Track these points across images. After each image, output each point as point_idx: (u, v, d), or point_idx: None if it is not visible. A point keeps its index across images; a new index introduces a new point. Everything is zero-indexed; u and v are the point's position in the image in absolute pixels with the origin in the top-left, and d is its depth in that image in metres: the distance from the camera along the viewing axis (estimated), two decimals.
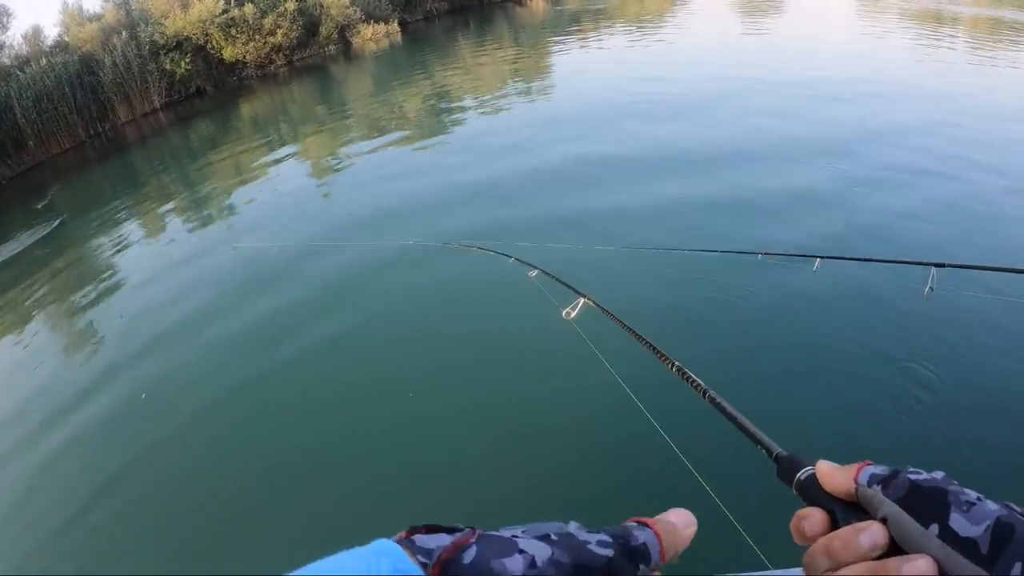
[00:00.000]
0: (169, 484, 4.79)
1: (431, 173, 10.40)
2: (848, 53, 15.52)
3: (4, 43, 24.32)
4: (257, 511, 4.24)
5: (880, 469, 0.54)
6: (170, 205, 12.79)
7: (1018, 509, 0.48)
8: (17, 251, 12.66)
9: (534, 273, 2.73)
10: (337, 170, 12.40)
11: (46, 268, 11.13)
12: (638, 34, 21.98)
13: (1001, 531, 0.46)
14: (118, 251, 10.70)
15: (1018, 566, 0.44)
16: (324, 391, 5.34)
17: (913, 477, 0.51)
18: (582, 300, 2.09)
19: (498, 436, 4.26)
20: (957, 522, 0.47)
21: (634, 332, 1.52)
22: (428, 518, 0.44)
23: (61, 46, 24.23)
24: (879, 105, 10.56)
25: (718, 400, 0.94)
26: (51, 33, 25.64)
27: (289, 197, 11.20)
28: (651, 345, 1.37)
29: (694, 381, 1.08)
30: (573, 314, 2.07)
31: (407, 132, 13.74)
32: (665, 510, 0.56)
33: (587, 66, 17.63)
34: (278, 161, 14.08)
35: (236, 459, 4.84)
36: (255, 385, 5.67)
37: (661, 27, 23.40)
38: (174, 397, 5.80)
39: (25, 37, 24.74)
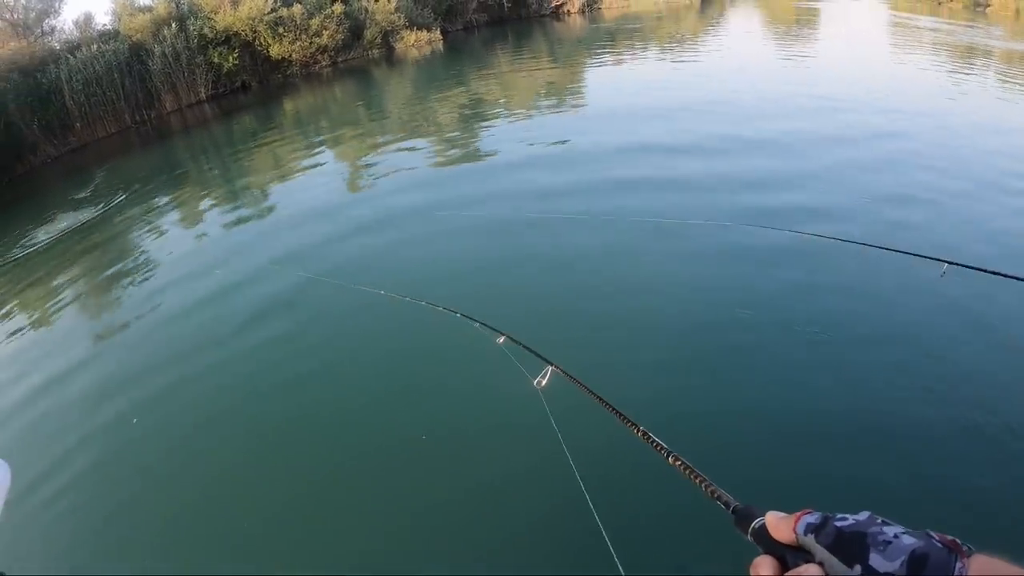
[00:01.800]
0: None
1: (432, 213, 8.56)
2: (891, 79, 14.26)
3: (55, 27, 23.42)
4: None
5: (814, 518, 0.59)
6: (209, 200, 11.72)
7: (936, 536, 0.53)
8: (59, 234, 11.55)
9: (501, 339, 2.44)
10: (358, 187, 10.99)
11: (84, 255, 10.15)
12: (671, 57, 20.56)
13: (916, 563, 0.51)
14: (156, 245, 9.72)
15: None
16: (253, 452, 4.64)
17: (839, 524, 0.57)
18: (550, 368, 1.93)
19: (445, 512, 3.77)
20: (876, 560, 0.53)
21: (599, 397, 1.44)
22: None
23: (111, 34, 23.15)
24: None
25: (680, 462, 0.94)
26: (102, 21, 24.74)
27: (303, 214, 9.73)
28: (616, 411, 1.33)
29: (658, 444, 1.07)
30: (544, 383, 1.91)
31: (433, 146, 12.35)
32: None
33: (616, 89, 15.98)
34: (315, 163, 12.88)
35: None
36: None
37: (696, 51, 22.02)
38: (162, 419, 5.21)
39: (76, 23, 23.78)
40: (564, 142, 11.05)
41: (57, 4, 23.05)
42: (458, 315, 3.17)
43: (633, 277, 6.14)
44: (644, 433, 1.19)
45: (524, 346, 2.29)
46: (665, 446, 1.06)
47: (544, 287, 6.15)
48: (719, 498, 0.81)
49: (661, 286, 5.91)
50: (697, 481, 0.89)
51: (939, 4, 44.13)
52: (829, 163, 8.69)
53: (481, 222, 7.81)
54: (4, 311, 8.55)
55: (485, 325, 2.68)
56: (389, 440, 4.42)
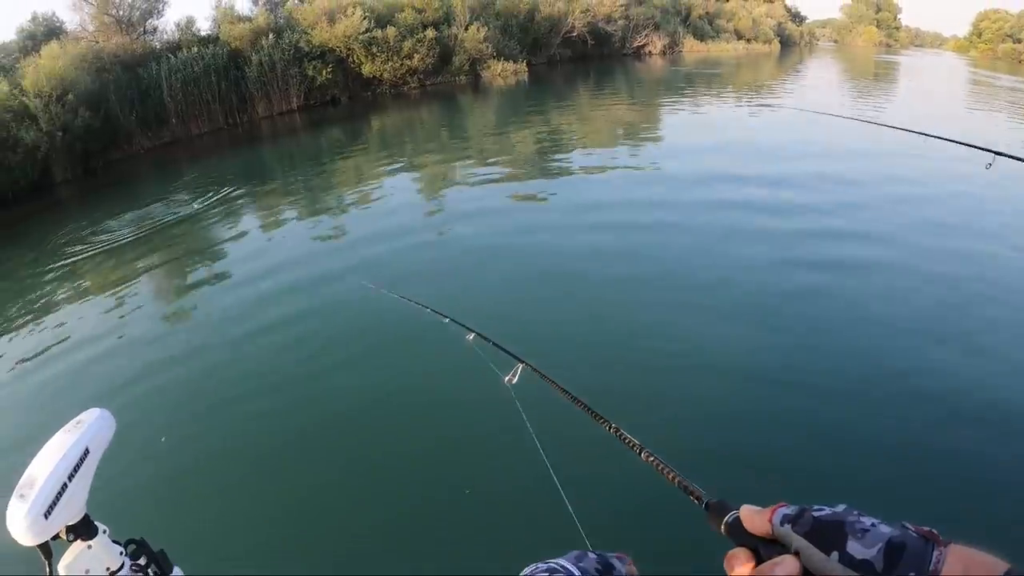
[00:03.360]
0: None
1: (492, 229, 8.20)
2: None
3: (157, 28, 22.45)
4: None
5: (790, 509, 0.57)
6: (289, 207, 10.84)
7: (911, 527, 0.51)
8: (147, 228, 10.28)
9: (471, 336, 2.15)
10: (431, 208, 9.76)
11: (171, 250, 9.11)
12: (749, 109, 18.75)
13: (893, 550, 0.49)
14: (234, 246, 8.87)
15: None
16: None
17: (816, 514, 0.55)
18: (521, 366, 1.77)
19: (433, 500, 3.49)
20: (853, 547, 0.51)
21: (570, 395, 1.33)
22: None
23: (211, 39, 22.00)
24: None
25: (652, 458, 0.92)
26: (202, 26, 23.71)
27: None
28: (588, 407, 1.25)
29: (630, 441, 1.02)
30: (515, 380, 1.75)
31: (506, 182, 10.87)
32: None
33: (689, 139, 14.14)
34: (393, 181, 11.91)
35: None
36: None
37: (773, 99, 20.44)
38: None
39: (178, 25, 22.78)
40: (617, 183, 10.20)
41: (161, 6, 22.14)
42: (429, 310, 2.70)
43: (611, 278, 6.04)
44: (615, 429, 1.10)
45: (494, 343, 2.05)
46: (637, 442, 0.99)
47: (523, 291, 6.01)
48: (691, 493, 0.77)
49: (635, 284, 5.81)
50: (669, 476, 0.84)
51: (1020, 62, 42.65)
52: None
53: (543, 259, 7.10)
54: (88, 292, 7.80)
55: (455, 321, 2.39)
56: (370, 435, 4.18)
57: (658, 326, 5.11)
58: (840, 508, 0.55)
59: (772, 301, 5.47)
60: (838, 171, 10.05)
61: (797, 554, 0.54)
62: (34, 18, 22.55)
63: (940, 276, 5.93)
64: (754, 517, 0.59)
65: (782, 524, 0.56)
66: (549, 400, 1.47)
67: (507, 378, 1.78)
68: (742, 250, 6.63)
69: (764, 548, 0.58)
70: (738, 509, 0.63)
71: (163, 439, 4.26)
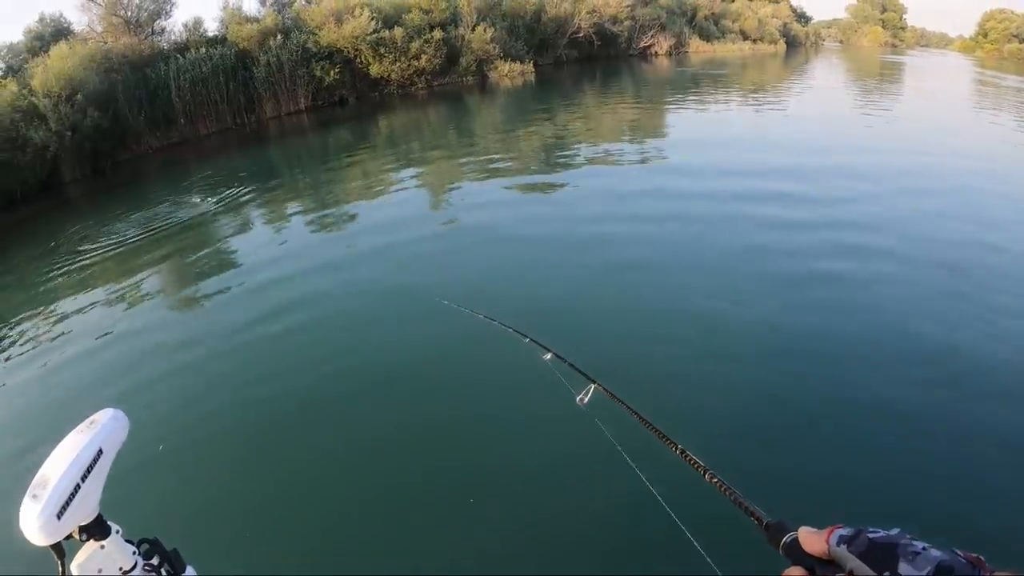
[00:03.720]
0: None
1: (503, 231, 8.10)
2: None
3: (164, 28, 22.49)
4: None
5: (847, 531, 0.59)
6: (296, 207, 10.81)
7: (961, 553, 0.53)
8: (159, 228, 10.23)
9: (548, 356, 2.14)
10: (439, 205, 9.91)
11: (182, 251, 8.99)
12: (753, 107, 18.61)
13: (942, 573, 0.51)
14: (241, 246, 8.83)
15: None
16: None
17: (871, 535, 0.57)
18: (592, 386, 1.79)
19: (511, 521, 3.38)
20: (904, 569, 0.53)
21: (640, 416, 1.37)
22: None
23: (219, 39, 22.08)
24: None
25: (716, 480, 0.93)
26: (210, 27, 23.82)
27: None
28: (656, 429, 1.27)
29: (695, 463, 1.04)
30: (586, 400, 1.78)
31: (513, 177, 11.04)
32: None
33: (695, 138, 14.06)
34: (401, 181, 11.75)
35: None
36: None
37: (777, 102, 20.21)
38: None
39: (186, 26, 22.89)
40: (635, 182, 10.17)
41: (168, 7, 22.18)
42: (511, 330, 2.66)
43: (679, 300, 5.83)
44: (682, 451, 1.12)
45: (569, 363, 2.02)
46: (702, 463, 1.02)
47: (589, 306, 5.79)
48: (752, 514, 0.79)
49: (706, 308, 5.57)
50: (732, 498, 0.86)
51: None
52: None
53: (543, 246, 7.37)
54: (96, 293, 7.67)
55: (534, 341, 2.35)
56: (445, 451, 4.01)
57: (731, 343, 5.00)
58: (894, 531, 0.57)
59: (834, 325, 5.28)
60: (844, 166, 10.01)
61: (851, 573, 0.56)
62: (41, 19, 22.71)
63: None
64: (812, 538, 0.62)
65: (838, 544, 0.59)
66: (626, 419, 1.50)
67: (579, 398, 1.81)
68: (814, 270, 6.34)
69: (820, 568, 0.60)
70: (796, 530, 0.66)
71: (160, 447, 4.20)
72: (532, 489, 3.60)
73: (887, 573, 0.54)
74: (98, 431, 0.91)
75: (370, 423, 4.32)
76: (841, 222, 7.51)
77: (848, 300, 5.61)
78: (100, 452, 0.90)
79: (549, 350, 2.17)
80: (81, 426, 0.92)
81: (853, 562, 0.57)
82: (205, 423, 4.49)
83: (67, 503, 0.85)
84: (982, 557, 0.53)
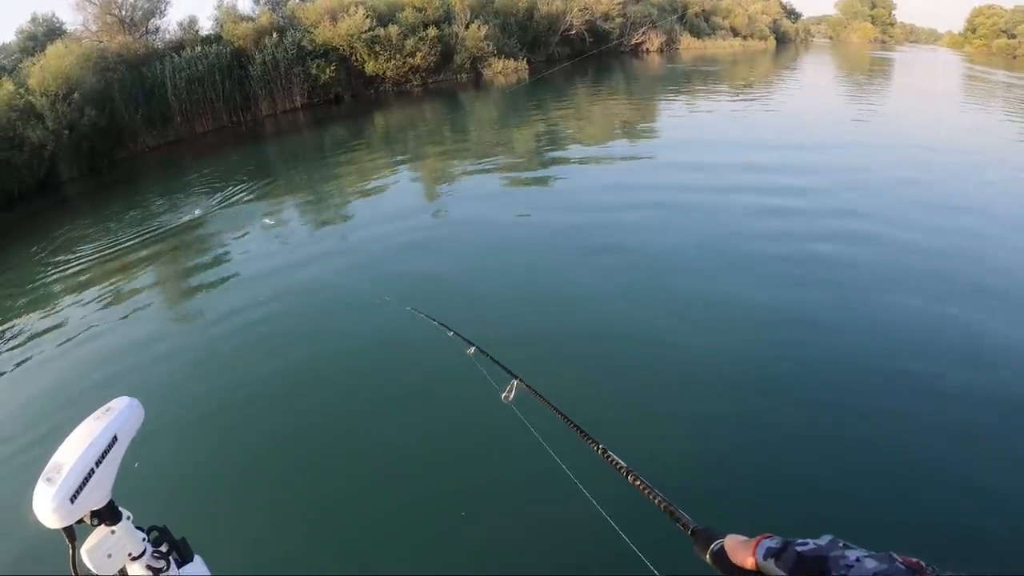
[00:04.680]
0: None
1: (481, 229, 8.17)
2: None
3: (159, 27, 22.36)
4: None
5: (774, 542, 0.56)
6: (291, 203, 11.00)
7: (899, 558, 0.49)
8: (156, 226, 10.19)
9: (472, 350, 2.17)
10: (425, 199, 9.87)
11: (182, 249, 8.93)
12: (744, 104, 18.80)
13: None
14: (236, 245, 8.71)
15: None
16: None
17: (800, 549, 0.53)
18: (515, 381, 1.77)
19: (437, 517, 3.36)
20: None
21: (562, 414, 1.33)
22: None
23: (214, 38, 21.92)
24: None
25: (638, 481, 0.89)
26: (205, 25, 23.66)
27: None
28: (578, 427, 1.23)
29: (616, 463, 1.00)
30: (511, 396, 1.77)
31: (501, 169, 11.19)
32: None
33: (681, 137, 13.94)
34: (394, 177, 11.91)
35: None
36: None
37: (766, 99, 20.28)
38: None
39: (181, 25, 22.72)
40: (622, 177, 10.23)
41: (163, 6, 22.06)
42: (435, 323, 2.77)
43: (607, 297, 5.76)
44: (603, 451, 1.08)
45: (492, 358, 2.02)
46: (624, 464, 0.97)
47: (518, 304, 5.78)
48: (678, 519, 0.74)
49: (632, 305, 5.55)
50: (655, 501, 0.81)
51: (1014, 58, 42.45)
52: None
53: (487, 245, 7.51)
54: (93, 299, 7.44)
55: (458, 335, 2.36)
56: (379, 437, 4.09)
57: (654, 343, 4.91)
58: (824, 540, 0.53)
59: (772, 318, 5.23)
60: (830, 160, 10.06)
61: None
62: (34, 19, 22.54)
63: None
64: (738, 548, 0.59)
65: (765, 558, 0.55)
66: (550, 415, 1.47)
67: (504, 395, 1.78)
68: (744, 264, 6.34)
69: None
70: (724, 538, 0.62)
71: (136, 464, 4.19)
72: (457, 485, 3.57)
73: None
74: (114, 418, 0.93)
75: (306, 415, 4.40)
76: (797, 209, 7.64)
77: (785, 290, 5.62)
78: (115, 439, 0.92)
79: (472, 344, 2.14)
80: (97, 413, 0.94)
81: None
82: (219, 417, 4.53)
83: (80, 487, 0.87)
84: (922, 562, 0.49)
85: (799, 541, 0.55)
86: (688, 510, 0.74)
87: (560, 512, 2.97)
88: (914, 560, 0.49)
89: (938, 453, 3.59)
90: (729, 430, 3.84)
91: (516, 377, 1.79)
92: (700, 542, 0.66)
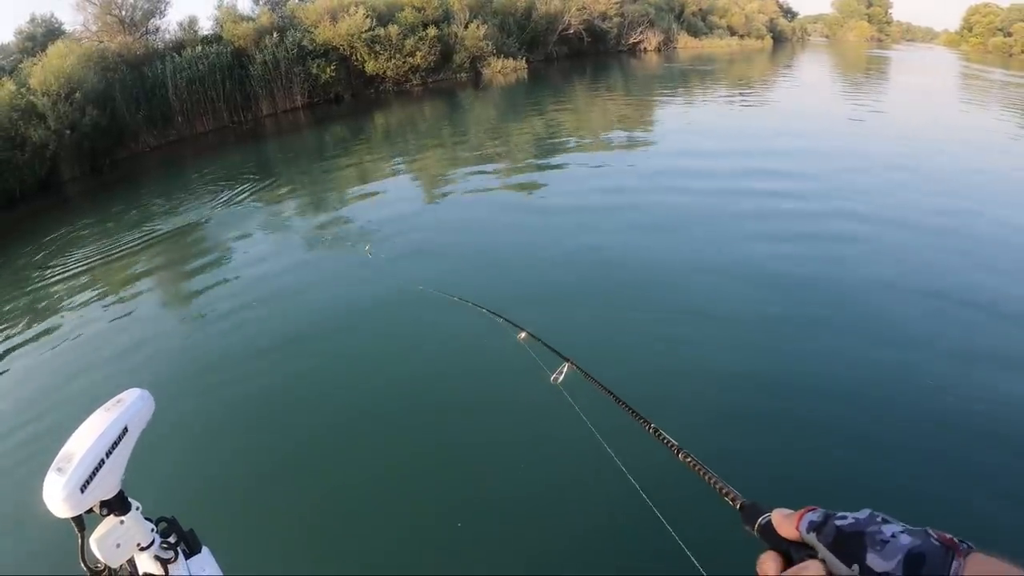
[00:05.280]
0: None
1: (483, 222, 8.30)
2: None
3: (159, 27, 22.34)
4: None
5: (816, 515, 0.57)
6: (292, 201, 10.87)
7: (934, 534, 0.50)
8: (159, 225, 10.14)
9: (522, 335, 2.13)
10: (431, 198, 10.10)
11: (189, 246, 8.92)
12: (741, 102, 18.70)
13: (912, 562, 0.49)
14: (240, 245, 8.59)
15: None
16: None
17: (839, 523, 0.55)
18: (566, 364, 1.78)
19: (478, 500, 3.41)
20: (873, 560, 0.50)
21: (613, 395, 1.34)
22: None
23: (214, 38, 21.88)
24: None
25: (689, 457, 0.91)
26: (204, 26, 23.63)
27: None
28: (629, 407, 1.25)
29: (668, 441, 1.02)
30: (560, 379, 1.77)
31: (501, 170, 11.15)
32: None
33: (681, 134, 13.95)
34: (395, 174, 12.01)
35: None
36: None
37: (761, 98, 20.21)
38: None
39: (181, 25, 22.67)
40: (618, 171, 10.32)
41: (163, 6, 22.04)
42: (485, 311, 2.72)
43: (660, 281, 5.93)
44: (655, 430, 1.10)
45: (543, 342, 2.00)
46: (675, 442, 0.99)
47: (567, 287, 5.91)
48: (727, 494, 0.76)
49: (683, 292, 5.66)
50: (706, 478, 0.83)
51: (1010, 56, 42.51)
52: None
53: (522, 233, 7.60)
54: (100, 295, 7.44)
55: (508, 321, 2.33)
56: (410, 428, 4.10)
57: (703, 323, 5.03)
58: (863, 514, 0.55)
59: (815, 306, 5.31)
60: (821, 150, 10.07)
61: (824, 561, 0.55)
62: (32, 19, 22.50)
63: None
64: (784, 521, 0.60)
65: (808, 531, 0.57)
66: (599, 398, 1.48)
67: (553, 377, 1.78)
68: (790, 252, 6.43)
69: (795, 551, 0.59)
70: (771, 512, 0.64)
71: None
72: (503, 469, 3.61)
73: (855, 565, 0.51)
74: (124, 409, 0.93)
75: (357, 404, 4.42)
76: (819, 211, 7.60)
77: (824, 279, 5.74)
78: (125, 430, 0.92)
79: (523, 329, 2.15)
80: (108, 404, 0.94)
81: (823, 551, 0.55)
82: (229, 410, 4.54)
83: (91, 478, 0.87)
84: (956, 538, 0.50)
85: (839, 515, 0.56)
86: (735, 486, 0.77)
87: (605, 503, 3.09)
88: (948, 536, 0.50)
89: (983, 428, 3.67)
90: (770, 412, 3.94)
91: (567, 360, 1.80)
92: (748, 516, 0.67)
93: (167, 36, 21.98)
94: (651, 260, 6.42)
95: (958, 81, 28.20)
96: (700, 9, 45.52)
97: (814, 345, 4.68)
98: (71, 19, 37.31)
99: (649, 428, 1.13)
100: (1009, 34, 54.32)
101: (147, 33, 21.13)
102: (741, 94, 20.42)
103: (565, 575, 2.93)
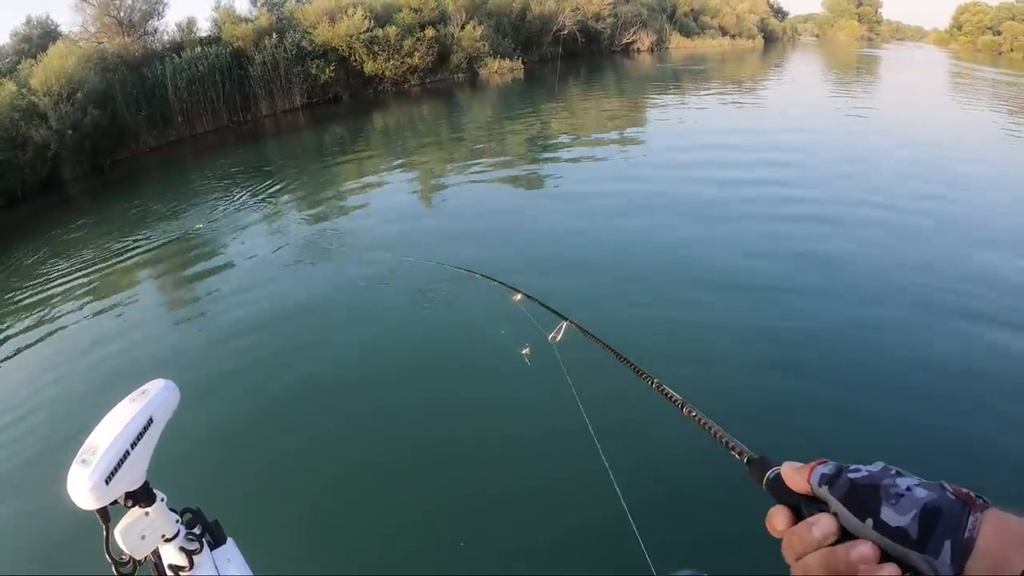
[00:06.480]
0: None
1: (491, 205, 8.91)
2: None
3: (158, 28, 22.14)
4: None
5: (828, 468, 0.55)
6: (292, 201, 10.81)
7: (950, 488, 0.48)
8: (159, 224, 10.08)
9: (518, 297, 2.11)
10: (433, 189, 10.40)
11: (195, 243, 8.89)
12: (732, 100, 18.84)
13: (928, 516, 0.47)
14: (238, 247, 8.47)
15: (947, 544, 0.45)
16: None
17: (852, 476, 0.52)
18: (564, 323, 1.73)
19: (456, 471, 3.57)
20: (887, 514, 0.48)
21: (614, 351, 1.30)
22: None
23: (212, 39, 21.75)
24: None
25: (694, 413, 0.88)
26: (203, 26, 23.43)
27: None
28: (631, 364, 1.20)
29: (672, 396, 0.99)
30: (559, 337, 1.73)
31: (499, 165, 11.36)
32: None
33: (671, 131, 14.21)
34: (394, 171, 12.16)
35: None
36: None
37: (752, 98, 20.28)
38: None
39: (179, 26, 22.43)
40: (613, 164, 10.70)
41: (161, 7, 21.86)
42: (479, 276, 2.74)
43: (652, 240, 6.24)
44: (658, 385, 1.05)
45: (540, 302, 1.96)
46: (679, 397, 0.96)
47: (564, 259, 6.12)
48: (733, 448, 0.73)
49: (676, 247, 5.93)
50: (711, 431, 0.79)
51: (999, 54, 42.54)
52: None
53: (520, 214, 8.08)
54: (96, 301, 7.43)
55: (503, 284, 2.32)
56: (414, 394, 4.25)
57: (699, 279, 5.27)
58: (877, 467, 0.52)
59: (817, 260, 5.63)
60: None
61: (836, 515, 0.52)
62: (28, 21, 22.29)
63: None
64: (794, 475, 0.58)
65: (820, 484, 0.54)
66: (593, 359, 1.45)
67: (551, 336, 1.73)
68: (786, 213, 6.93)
69: (805, 505, 0.56)
70: (780, 465, 0.61)
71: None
72: (498, 431, 3.75)
73: (869, 520, 0.49)
74: (149, 400, 0.91)
75: (374, 392, 4.51)
76: (799, 197, 7.90)
77: (820, 241, 6.02)
78: (150, 421, 0.90)
79: (518, 291, 2.11)
80: (133, 395, 0.92)
81: (835, 505, 0.53)
82: (254, 400, 4.55)
83: (116, 469, 0.86)
84: (972, 493, 0.48)
85: (852, 467, 0.53)
86: (742, 441, 0.74)
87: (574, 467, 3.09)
88: (964, 491, 0.48)
89: (994, 384, 3.72)
90: (773, 365, 3.97)
91: (566, 319, 1.74)
92: (755, 471, 0.64)
93: (165, 37, 21.87)
94: (645, 238, 6.75)
95: (948, 79, 28.27)
96: (692, 9, 45.49)
97: (822, 298, 4.80)
98: (69, 20, 37.12)
99: (653, 384, 1.09)
100: (998, 33, 54.46)
101: (146, 34, 20.97)
102: (732, 93, 20.43)
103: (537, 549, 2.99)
